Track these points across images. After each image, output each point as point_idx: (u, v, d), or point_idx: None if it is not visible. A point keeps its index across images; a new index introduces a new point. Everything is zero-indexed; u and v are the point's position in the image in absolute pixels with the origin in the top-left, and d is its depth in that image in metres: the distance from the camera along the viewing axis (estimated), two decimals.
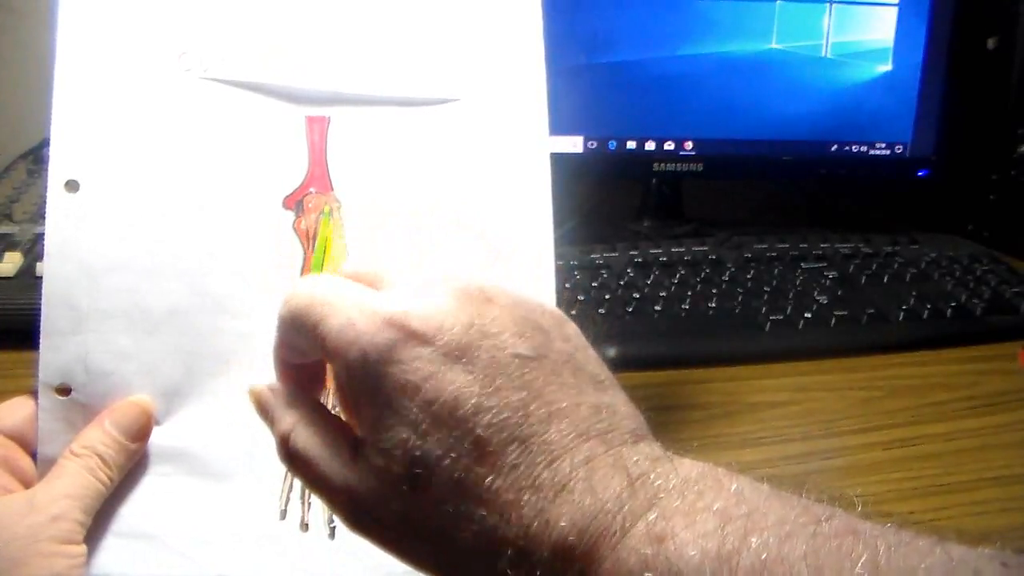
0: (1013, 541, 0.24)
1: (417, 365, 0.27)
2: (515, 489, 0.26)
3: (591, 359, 0.29)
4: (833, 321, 0.68)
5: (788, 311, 0.69)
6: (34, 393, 0.38)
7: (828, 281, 0.75)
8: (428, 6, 0.42)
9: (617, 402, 0.28)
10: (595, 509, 0.25)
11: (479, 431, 0.26)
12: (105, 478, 0.37)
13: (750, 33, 0.83)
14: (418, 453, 0.26)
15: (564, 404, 0.27)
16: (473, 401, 0.26)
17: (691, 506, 0.25)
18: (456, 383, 0.27)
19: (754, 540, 0.24)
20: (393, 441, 0.27)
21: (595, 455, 0.26)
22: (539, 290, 0.41)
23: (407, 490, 0.27)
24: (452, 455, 0.26)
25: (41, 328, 0.38)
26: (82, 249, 0.38)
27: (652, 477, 0.26)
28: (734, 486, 0.26)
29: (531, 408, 0.27)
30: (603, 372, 0.29)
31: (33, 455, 0.38)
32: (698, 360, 0.63)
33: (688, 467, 0.27)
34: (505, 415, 0.26)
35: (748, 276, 0.75)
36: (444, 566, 0.27)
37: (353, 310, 0.29)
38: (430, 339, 0.27)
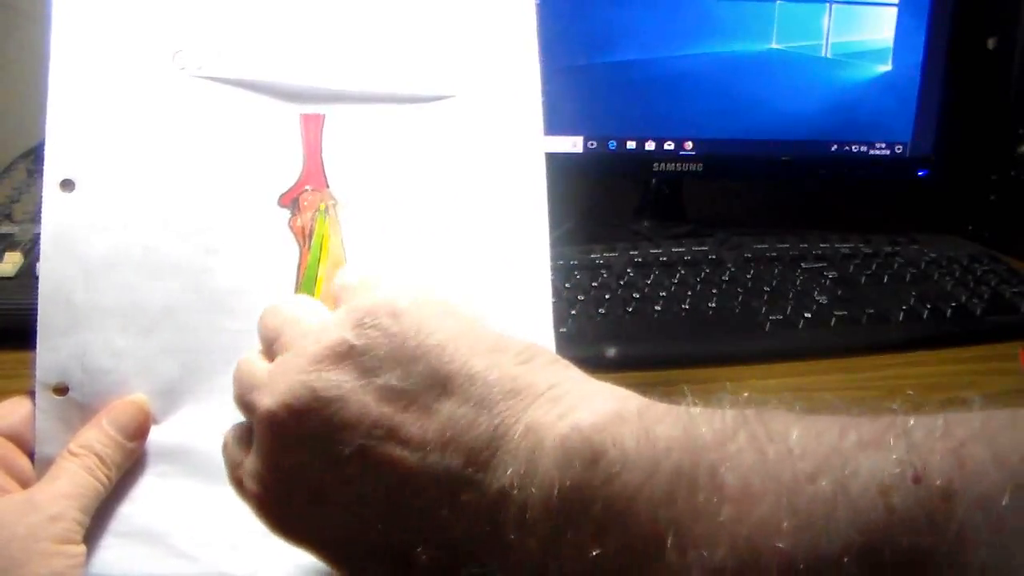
0: None
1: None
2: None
3: (396, 386, 0.28)
4: (833, 321, 0.68)
5: (788, 311, 0.69)
6: (31, 393, 0.38)
7: (828, 281, 0.75)
8: (422, 3, 0.42)
9: (455, 411, 0.28)
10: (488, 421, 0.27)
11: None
12: (103, 477, 0.37)
13: (750, 33, 0.83)
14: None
15: (414, 463, 0.27)
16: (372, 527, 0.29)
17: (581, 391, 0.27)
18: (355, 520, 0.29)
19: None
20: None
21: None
22: (534, 284, 0.41)
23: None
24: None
25: (38, 328, 0.38)
26: (78, 248, 0.38)
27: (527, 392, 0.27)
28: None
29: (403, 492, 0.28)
30: (415, 381, 0.28)
31: (31, 455, 0.38)
32: (698, 360, 0.63)
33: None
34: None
35: (748, 276, 0.74)
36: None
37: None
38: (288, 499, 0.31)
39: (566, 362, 0.30)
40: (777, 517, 0.22)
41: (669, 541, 0.23)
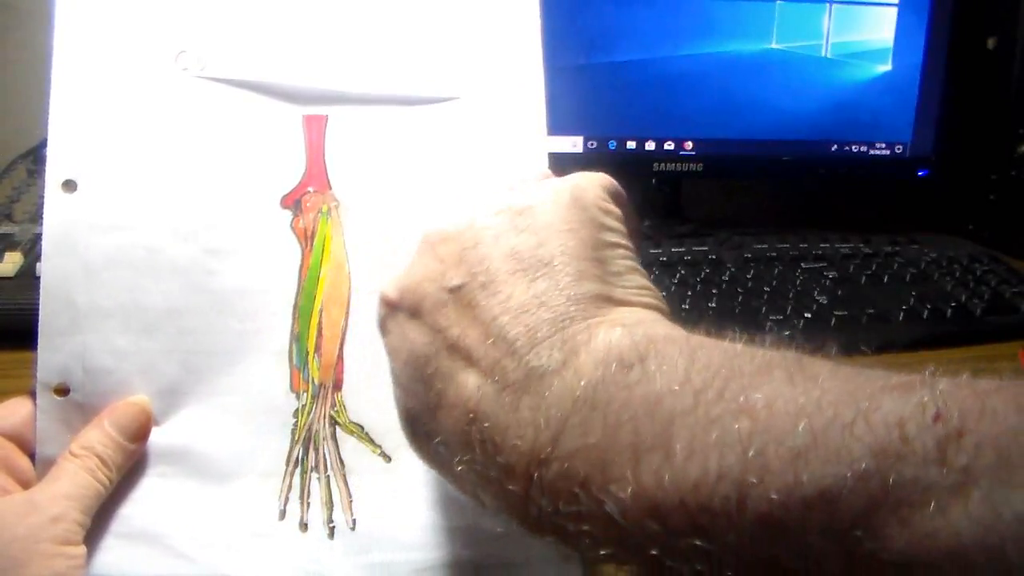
0: None
1: (394, 332, 0.31)
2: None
3: (524, 248, 0.30)
4: (833, 321, 0.68)
5: (788, 311, 0.69)
6: (32, 393, 0.38)
7: (828, 281, 0.75)
8: (426, 4, 0.42)
9: (548, 289, 0.29)
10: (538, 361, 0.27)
11: (431, 380, 0.29)
12: (104, 479, 0.37)
13: (750, 33, 0.83)
14: (405, 407, 0.31)
15: (491, 316, 0.29)
16: (423, 352, 0.29)
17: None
18: (415, 340, 0.30)
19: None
20: (396, 397, 0.31)
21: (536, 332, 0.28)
22: None
23: (411, 437, 0.31)
24: (420, 407, 0.30)
25: (39, 328, 0.38)
26: (79, 249, 0.38)
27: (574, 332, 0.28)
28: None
29: (466, 336, 0.29)
30: (540, 252, 0.30)
31: (32, 456, 0.38)
32: None
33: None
34: (444, 355, 0.29)
35: (748, 276, 0.75)
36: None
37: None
38: (398, 306, 0.31)
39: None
40: (792, 433, 0.22)
41: (678, 444, 0.23)
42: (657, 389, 0.25)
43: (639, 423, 0.24)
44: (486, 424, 0.27)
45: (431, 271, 0.30)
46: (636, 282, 0.31)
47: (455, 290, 0.29)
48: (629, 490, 0.24)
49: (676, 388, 0.24)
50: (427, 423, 0.29)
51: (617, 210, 0.33)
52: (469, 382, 0.28)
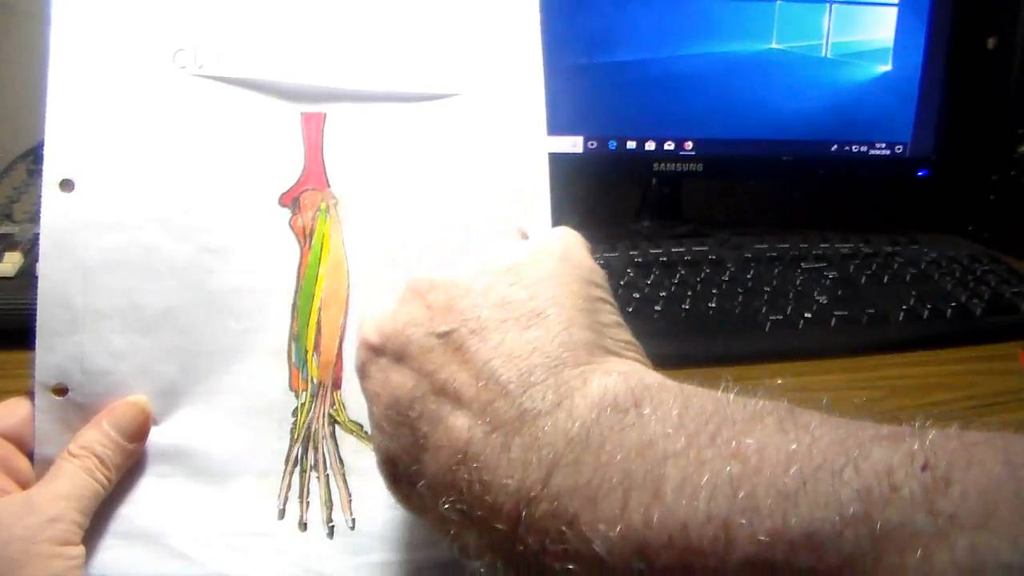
0: None
1: (375, 376, 0.31)
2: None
3: (516, 300, 0.30)
4: (833, 321, 0.68)
5: (788, 311, 0.69)
6: (31, 394, 0.38)
7: (828, 281, 0.75)
8: (424, 0, 0.42)
9: (541, 336, 0.29)
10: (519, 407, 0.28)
11: (417, 423, 0.29)
12: (103, 479, 0.37)
13: (750, 33, 0.83)
14: (386, 451, 0.31)
15: (483, 361, 0.29)
16: (407, 396, 0.30)
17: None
18: (399, 384, 0.30)
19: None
20: (375, 441, 0.31)
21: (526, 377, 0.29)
22: None
23: (391, 481, 0.31)
24: (403, 450, 0.30)
25: (37, 328, 0.38)
26: (77, 249, 0.38)
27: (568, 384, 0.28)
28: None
29: (455, 379, 0.29)
30: (532, 304, 0.30)
31: (30, 456, 0.38)
32: (698, 360, 0.63)
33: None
34: (430, 399, 0.29)
35: (748, 276, 0.74)
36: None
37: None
38: (382, 350, 0.31)
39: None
40: (782, 478, 0.22)
41: (669, 485, 0.24)
42: (651, 432, 0.25)
43: (631, 463, 0.25)
44: (475, 464, 0.27)
45: (417, 317, 0.31)
46: (623, 336, 0.32)
47: (444, 335, 0.30)
48: (618, 528, 0.24)
49: (670, 432, 0.25)
50: (411, 466, 0.29)
51: (601, 269, 0.34)
52: (459, 423, 0.28)
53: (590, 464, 0.25)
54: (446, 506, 0.28)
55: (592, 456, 0.25)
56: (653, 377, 0.29)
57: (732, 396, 0.26)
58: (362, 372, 0.32)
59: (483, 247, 0.34)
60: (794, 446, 0.23)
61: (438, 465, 0.28)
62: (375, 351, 0.31)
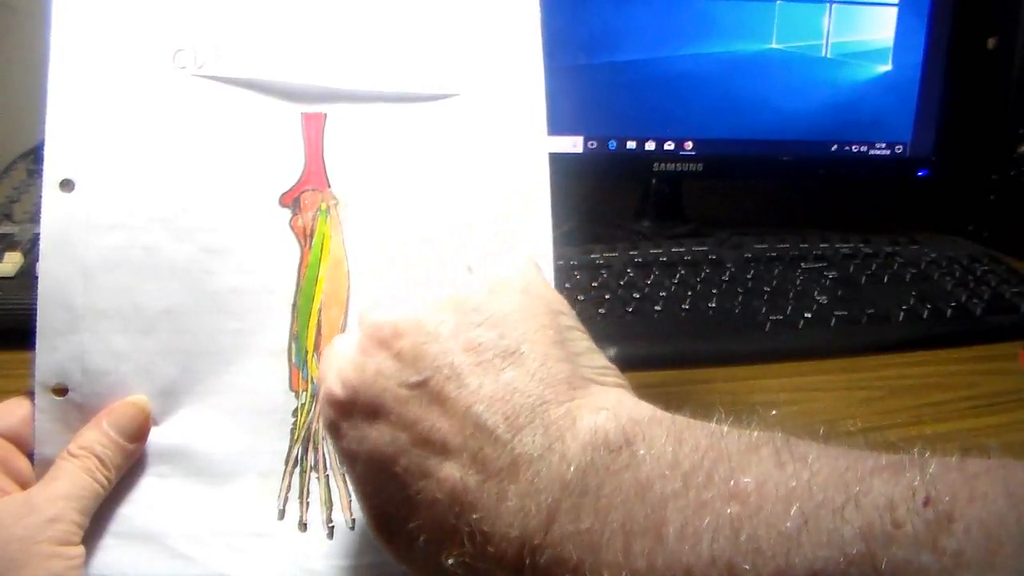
0: None
1: (350, 435, 0.30)
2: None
3: (486, 340, 0.30)
4: (833, 321, 0.68)
5: (788, 311, 0.69)
6: (31, 394, 0.38)
7: (828, 281, 0.75)
8: (425, 1, 0.42)
9: (519, 376, 0.29)
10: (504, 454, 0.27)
11: (404, 478, 0.29)
12: (103, 479, 0.37)
13: (750, 33, 0.83)
14: (376, 510, 0.30)
15: (464, 407, 0.28)
16: (388, 452, 0.29)
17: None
18: (377, 441, 0.29)
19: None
20: (361, 502, 0.31)
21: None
22: None
23: (386, 539, 0.30)
24: (393, 508, 0.29)
25: (37, 328, 0.38)
26: (77, 249, 0.38)
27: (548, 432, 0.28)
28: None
29: (438, 428, 0.28)
30: (503, 343, 0.30)
31: (30, 456, 0.38)
32: (698, 360, 0.63)
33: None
34: (414, 451, 0.29)
35: (748, 276, 0.74)
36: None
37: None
38: (352, 407, 0.30)
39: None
40: (783, 517, 0.22)
41: (671, 529, 0.24)
42: (647, 472, 0.25)
43: (630, 507, 0.25)
44: (474, 515, 0.27)
45: (385, 368, 0.30)
46: (600, 362, 0.31)
47: (418, 385, 0.29)
48: (622, 574, 0.24)
49: (667, 472, 0.25)
50: (406, 522, 0.29)
51: (562, 297, 0.33)
52: (449, 474, 0.28)
53: (589, 509, 0.25)
54: (450, 561, 0.27)
55: (591, 501, 0.25)
56: (640, 410, 0.28)
57: (726, 428, 0.26)
58: (334, 432, 0.31)
59: (429, 281, 0.33)
60: (793, 483, 0.23)
61: (435, 518, 0.28)
62: (344, 409, 0.30)
